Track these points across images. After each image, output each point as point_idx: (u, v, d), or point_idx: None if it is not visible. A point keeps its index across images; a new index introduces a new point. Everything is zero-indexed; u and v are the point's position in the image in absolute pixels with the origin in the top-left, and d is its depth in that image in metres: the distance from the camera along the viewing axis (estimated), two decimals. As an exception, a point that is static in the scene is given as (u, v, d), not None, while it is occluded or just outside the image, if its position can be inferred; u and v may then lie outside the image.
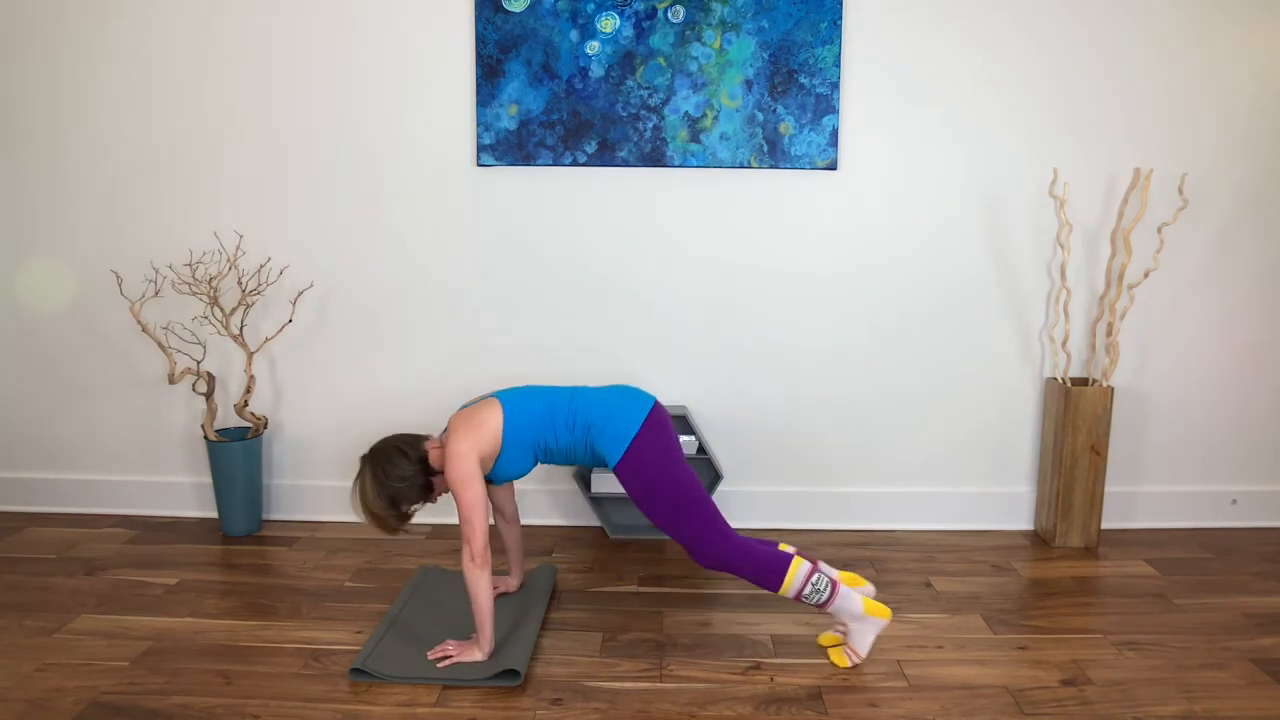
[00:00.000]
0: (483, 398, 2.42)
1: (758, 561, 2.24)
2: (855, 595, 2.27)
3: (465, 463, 2.24)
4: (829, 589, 2.24)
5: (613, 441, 2.29)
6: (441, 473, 2.34)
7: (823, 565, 2.40)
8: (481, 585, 2.23)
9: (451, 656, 2.26)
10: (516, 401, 2.37)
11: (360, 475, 2.30)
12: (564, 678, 2.24)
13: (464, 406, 2.42)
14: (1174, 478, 3.29)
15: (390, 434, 2.53)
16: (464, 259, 3.16)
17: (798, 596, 2.25)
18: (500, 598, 2.62)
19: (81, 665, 2.26)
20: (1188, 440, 3.26)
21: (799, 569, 2.24)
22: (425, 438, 2.39)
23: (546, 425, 2.35)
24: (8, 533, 3.16)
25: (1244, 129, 3.08)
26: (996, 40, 3.02)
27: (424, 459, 2.33)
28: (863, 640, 2.28)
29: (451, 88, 3.07)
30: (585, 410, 2.35)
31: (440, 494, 2.39)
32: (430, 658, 2.27)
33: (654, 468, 2.26)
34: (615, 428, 2.30)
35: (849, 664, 2.27)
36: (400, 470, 2.28)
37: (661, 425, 2.33)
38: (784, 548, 2.42)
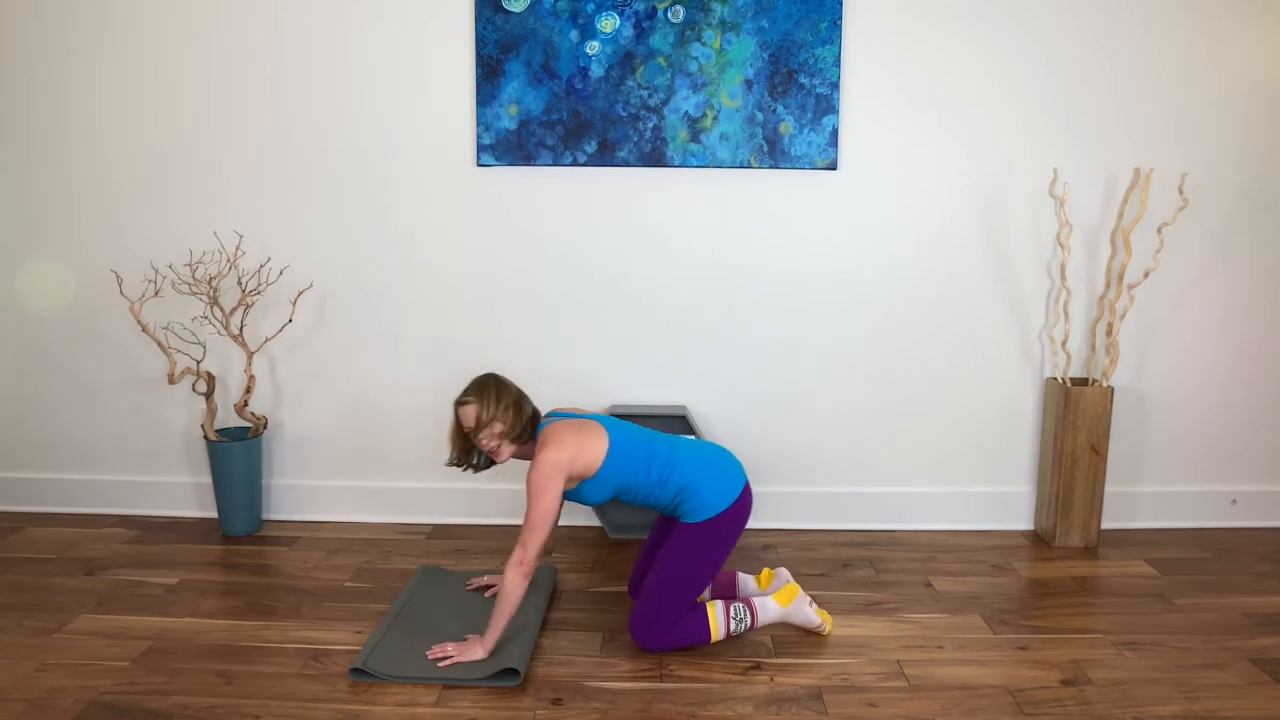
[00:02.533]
0: (581, 415, 2.42)
1: (684, 630, 2.34)
2: (768, 602, 2.40)
3: (556, 471, 2.25)
4: (747, 612, 2.37)
5: (699, 509, 2.32)
6: (520, 453, 2.39)
7: (742, 598, 2.46)
8: (518, 591, 2.24)
9: (451, 656, 2.26)
10: (622, 440, 2.37)
11: (498, 382, 2.35)
12: (564, 678, 2.23)
13: (559, 413, 2.43)
14: (1174, 478, 3.29)
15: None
16: (464, 259, 3.16)
17: (728, 634, 2.36)
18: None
19: (81, 665, 2.26)
20: (1188, 440, 3.26)
21: (715, 610, 2.35)
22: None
23: (641, 474, 2.35)
24: (8, 533, 3.16)
25: (1244, 129, 3.08)
26: (996, 40, 3.02)
27: (526, 430, 2.36)
28: (807, 622, 2.42)
29: (451, 88, 3.07)
30: (682, 471, 2.35)
31: (503, 461, 2.38)
32: (430, 658, 2.27)
33: (704, 550, 2.32)
34: (708, 498, 2.33)
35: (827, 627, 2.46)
36: (522, 415, 2.33)
37: (742, 510, 2.37)
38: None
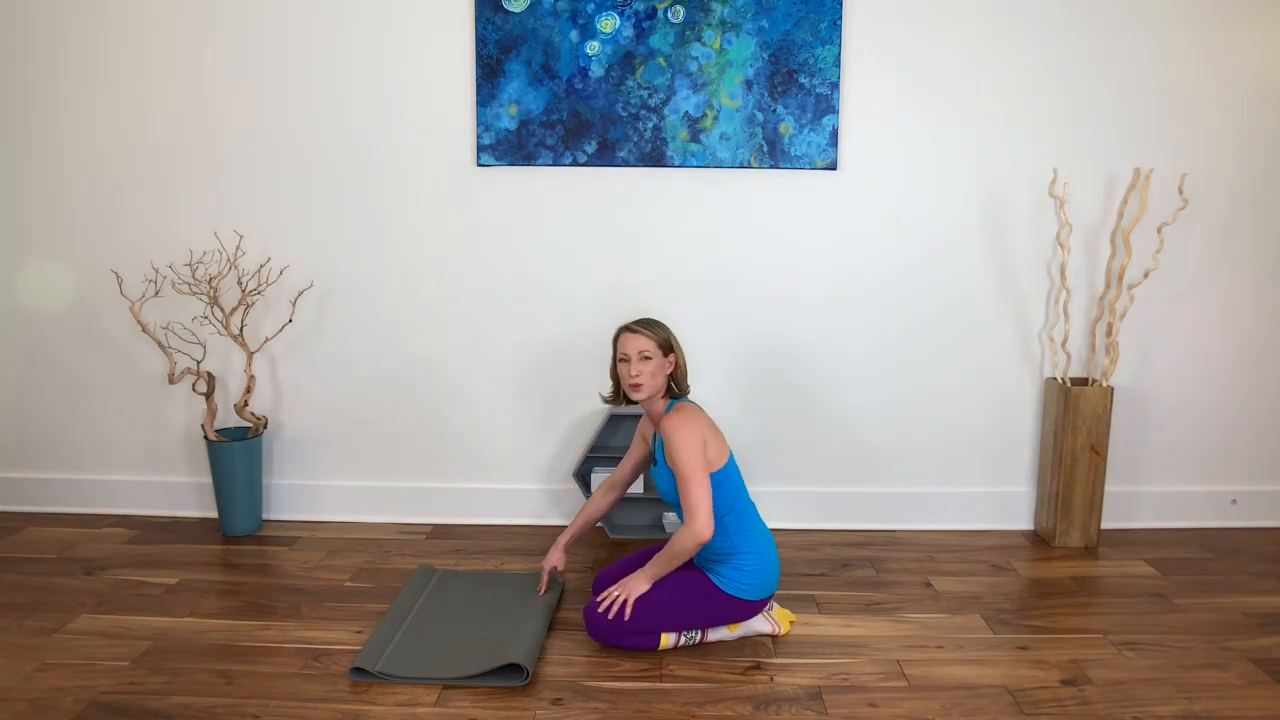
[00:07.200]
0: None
1: (635, 640, 2.35)
2: (721, 629, 2.41)
3: (698, 461, 2.29)
4: (699, 634, 2.39)
5: (733, 582, 2.35)
6: (652, 404, 2.44)
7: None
8: (685, 555, 2.29)
9: (618, 597, 2.33)
10: (735, 465, 2.43)
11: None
12: (564, 678, 2.24)
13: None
14: (1174, 478, 3.29)
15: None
16: (464, 259, 3.16)
17: (675, 645, 2.37)
18: (503, 595, 2.62)
19: (81, 665, 2.26)
20: (1188, 440, 3.26)
21: (668, 635, 2.36)
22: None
23: (723, 507, 2.36)
24: (8, 533, 3.16)
25: (1244, 129, 3.08)
26: (996, 40, 3.02)
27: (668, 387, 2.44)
28: (759, 633, 2.45)
29: (451, 88, 3.07)
30: (746, 540, 2.37)
31: (639, 397, 2.40)
32: (601, 609, 2.33)
33: (706, 612, 2.34)
34: (746, 581, 2.35)
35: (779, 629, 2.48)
36: (682, 369, 2.44)
37: (753, 611, 2.39)
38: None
